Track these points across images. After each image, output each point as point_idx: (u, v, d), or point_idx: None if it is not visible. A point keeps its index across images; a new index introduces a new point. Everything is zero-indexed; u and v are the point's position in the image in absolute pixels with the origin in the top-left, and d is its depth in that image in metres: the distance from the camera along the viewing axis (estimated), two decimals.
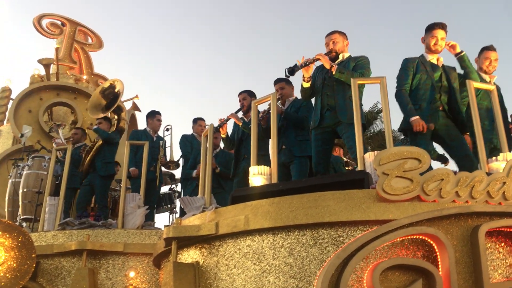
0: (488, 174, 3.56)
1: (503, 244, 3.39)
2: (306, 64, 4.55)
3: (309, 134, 5.00)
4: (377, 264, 3.15)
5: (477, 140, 4.00)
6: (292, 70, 4.57)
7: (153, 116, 7.38)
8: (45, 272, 5.45)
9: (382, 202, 3.40)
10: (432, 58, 4.60)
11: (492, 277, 3.23)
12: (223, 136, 5.79)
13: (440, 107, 4.45)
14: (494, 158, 4.03)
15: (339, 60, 4.76)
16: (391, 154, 3.48)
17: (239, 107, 5.88)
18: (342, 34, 4.85)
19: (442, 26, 4.57)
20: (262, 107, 5.04)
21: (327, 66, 4.58)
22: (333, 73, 4.56)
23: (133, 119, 11.13)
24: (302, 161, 4.92)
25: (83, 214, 6.15)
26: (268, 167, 4.26)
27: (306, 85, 4.70)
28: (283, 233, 3.58)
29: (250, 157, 5.27)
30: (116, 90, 6.93)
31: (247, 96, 5.83)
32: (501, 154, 4.01)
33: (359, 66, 4.66)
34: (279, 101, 5.39)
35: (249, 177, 4.24)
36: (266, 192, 3.92)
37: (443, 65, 4.62)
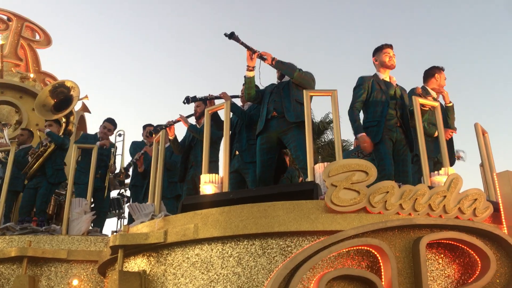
0: (430, 187, 3.71)
1: (442, 255, 3.54)
2: (248, 47, 4.68)
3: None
4: (323, 274, 3.21)
5: (420, 154, 4.17)
6: (232, 34, 4.65)
7: (103, 123, 7.23)
8: None
9: (330, 213, 3.47)
10: (385, 77, 4.78)
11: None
12: (171, 138, 5.73)
13: (398, 123, 4.62)
14: (436, 172, 4.21)
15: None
16: (340, 166, 3.56)
17: (191, 113, 5.87)
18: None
19: (391, 45, 4.82)
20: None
21: (269, 61, 4.77)
22: (273, 64, 4.74)
23: (82, 120, 10.80)
24: (255, 167, 4.95)
25: (25, 219, 5.90)
26: (220, 176, 4.26)
27: (250, 74, 4.80)
28: (232, 242, 3.59)
29: (199, 164, 5.32)
30: (70, 93, 6.72)
31: (201, 104, 5.84)
32: (442, 169, 4.20)
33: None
34: (240, 102, 5.50)
35: (200, 185, 4.22)
36: (216, 200, 3.91)
37: (396, 84, 4.80)
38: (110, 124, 7.23)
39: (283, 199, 3.65)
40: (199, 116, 5.80)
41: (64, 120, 6.95)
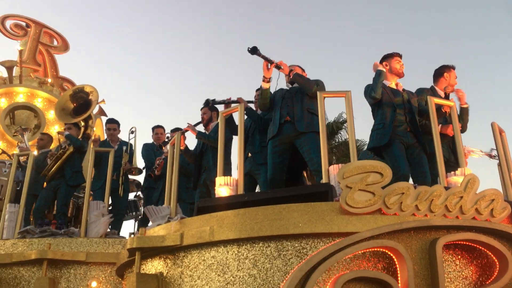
0: (447, 188, 3.68)
1: (459, 257, 3.51)
2: (267, 59, 4.70)
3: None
4: (339, 276, 3.22)
5: (436, 155, 4.13)
6: (254, 49, 4.67)
7: (105, 125, 7.30)
8: (3, 282, 5.28)
9: (345, 215, 3.47)
10: (391, 83, 4.76)
11: None
12: (182, 148, 5.77)
13: (408, 129, 4.60)
14: (452, 172, 4.17)
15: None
16: (354, 167, 3.56)
17: (199, 121, 5.95)
18: (301, 67, 5.10)
19: (401, 55, 4.83)
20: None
21: (287, 71, 4.80)
22: (291, 76, 4.77)
23: (98, 124, 10.94)
24: (267, 169, 4.97)
25: (44, 222, 6.00)
26: (234, 178, 4.28)
27: (266, 85, 4.80)
28: (248, 244, 3.61)
29: (210, 168, 5.37)
30: (89, 98, 6.81)
31: (208, 111, 5.92)
32: (459, 169, 4.16)
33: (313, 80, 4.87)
34: (253, 107, 5.53)
35: (215, 188, 4.25)
36: (231, 203, 3.94)
37: (403, 89, 4.78)
38: (112, 124, 7.22)
39: (298, 201, 3.66)
40: (206, 122, 5.91)
41: (82, 124, 7.05)
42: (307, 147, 4.50)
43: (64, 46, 11.84)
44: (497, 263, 3.46)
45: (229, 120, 5.15)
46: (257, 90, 5.59)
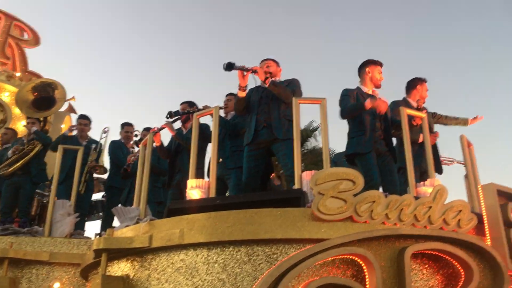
0: (416, 198, 3.74)
1: (426, 266, 3.56)
2: (242, 69, 4.58)
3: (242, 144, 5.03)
4: (309, 282, 3.21)
5: (407, 164, 4.19)
6: (230, 65, 4.54)
7: (76, 121, 7.11)
8: None
9: (316, 221, 3.48)
10: (368, 90, 4.80)
11: None
12: (157, 145, 5.66)
13: (382, 136, 4.65)
14: (422, 182, 4.24)
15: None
16: (327, 174, 3.58)
17: (177, 117, 5.80)
18: (276, 61, 4.99)
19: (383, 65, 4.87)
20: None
21: (262, 78, 4.64)
22: (267, 85, 4.62)
23: (68, 122, 10.68)
24: (238, 173, 4.92)
25: (7, 220, 5.80)
26: (206, 181, 4.24)
27: (241, 94, 4.71)
28: (218, 248, 3.58)
29: (185, 170, 5.26)
30: (54, 94, 6.65)
31: (187, 107, 5.79)
32: (428, 179, 4.23)
33: (290, 85, 4.76)
34: (223, 112, 5.44)
35: (187, 190, 4.20)
36: (203, 206, 3.89)
37: (379, 98, 4.82)
38: (84, 120, 7.01)
39: (270, 206, 3.64)
40: (185, 119, 5.76)
41: (41, 118, 6.87)
42: (283, 152, 4.47)
43: (35, 40, 11.53)
44: (463, 273, 3.53)
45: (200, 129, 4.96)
46: (227, 95, 5.53)
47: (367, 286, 3.29)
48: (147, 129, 6.74)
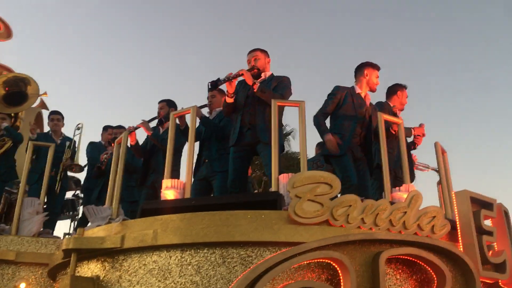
0: (392, 203, 3.76)
1: (400, 271, 3.58)
2: (229, 79, 4.49)
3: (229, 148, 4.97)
4: (283, 286, 3.18)
5: (383, 170, 4.21)
6: (215, 84, 4.52)
7: (48, 117, 6.91)
8: None
9: (293, 224, 3.45)
10: (362, 92, 4.80)
11: None
12: (132, 144, 5.55)
13: (359, 142, 4.67)
14: (397, 188, 4.27)
15: (261, 78, 4.75)
16: (305, 177, 3.56)
17: (154, 116, 5.72)
18: (264, 52, 4.85)
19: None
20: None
21: (250, 82, 4.54)
22: (255, 90, 4.52)
23: (39, 118, 10.40)
24: (224, 176, 4.86)
25: None
26: (182, 181, 4.17)
27: (230, 100, 4.64)
28: (192, 250, 3.52)
29: (160, 170, 5.18)
30: (26, 90, 6.45)
31: (165, 106, 5.70)
32: (403, 185, 4.26)
33: (280, 87, 4.66)
34: (207, 110, 5.33)
35: (162, 190, 4.12)
36: (178, 206, 3.82)
37: (370, 103, 4.84)
38: (56, 115, 6.79)
39: (246, 208, 3.60)
40: (162, 118, 5.66)
41: (12, 114, 6.67)
42: (265, 152, 4.40)
43: (7, 33, 11.18)
44: (435, 278, 3.56)
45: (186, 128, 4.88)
46: (209, 90, 5.41)
47: None
48: (118, 127, 6.62)
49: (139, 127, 5.44)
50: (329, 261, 3.37)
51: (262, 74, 4.77)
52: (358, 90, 4.79)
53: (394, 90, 5.31)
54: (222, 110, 5.25)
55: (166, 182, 4.11)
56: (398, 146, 4.50)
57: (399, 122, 4.59)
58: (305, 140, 4.12)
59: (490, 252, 3.94)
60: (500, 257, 3.93)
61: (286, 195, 3.75)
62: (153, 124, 5.75)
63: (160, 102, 5.78)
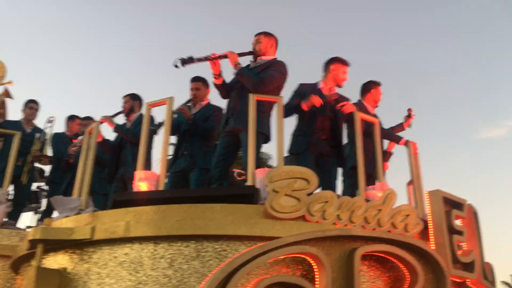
0: (367, 200, 3.78)
1: (373, 268, 3.60)
2: (208, 59, 4.37)
3: (214, 145, 4.90)
4: (259, 280, 3.15)
5: (358, 168, 4.23)
6: (184, 61, 4.32)
7: (25, 105, 6.68)
8: None
9: (269, 219, 3.42)
10: (326, 87, 4.79)
11: None
12: (99, 140, 5.40)
13: (323, 136, 4.65)
14: (371, 186, 4.30)
15: (256, 62, 4.63)
16: (283, 172, 3.53)
17: (118, 111, 5.61)
18: (268, 35, 4.67)
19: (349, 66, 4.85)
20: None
21: (232, 63, 4.43)
22: (236, 69, 4.42)
23: (2, 107, 10.01)
24: (203, 172, 4.78)
25: None
26: (156, 172, 4.07)
27: (216, 81, 4.54)
28: (166, 243, 3.43)
29: (129, 163, 5.08)
30: None
31: (130, 100, 5.60)
32: (377, 183, 4.30)
33: (266, 70, 4.47)
34: (191, 103, 5.20)
35: (134, 181, 4.01)
36: (151, 198, 3.73)
37: (340, 98, 4.80)
38: (35, 104, 6.62)
39: (222, 201, 3.54)
40: (128, 112, 5.57)
41: None
42: (244, 143, 4.34)
43: None
44: (408, 276, 3.59)
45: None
46: (192, 81, 5.28)
47: (317, 285, 3.27)
48: (85, 119, 6.45)
49: (103, 122, 5.32)
50: (304, 256, 3.35)
51: (258, 58, 4.62)
52: (320, 86, 4.78)
53: (368, 88, 5.30)
54: (207, 104, 5.19)
55: (140, 174, 4.01)
56: (373, 148, 4.51)
57: (375, 121, 4.62)
58: (283, 135, 4.08)
59: (460, 251, 4.01)
60: (469, 256, 4.01)
61: (262, 189, 3.71)
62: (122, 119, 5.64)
63: (124, 96, 5.68)
